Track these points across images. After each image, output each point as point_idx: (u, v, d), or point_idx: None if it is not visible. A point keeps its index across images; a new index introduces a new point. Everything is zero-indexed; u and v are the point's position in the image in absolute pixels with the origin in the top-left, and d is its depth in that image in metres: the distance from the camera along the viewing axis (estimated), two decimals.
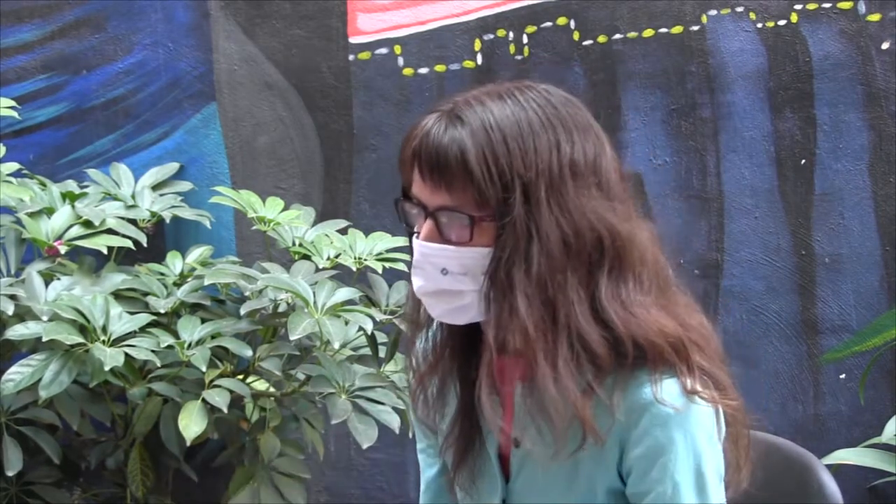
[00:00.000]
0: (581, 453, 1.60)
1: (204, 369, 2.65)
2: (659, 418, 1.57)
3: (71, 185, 3.13)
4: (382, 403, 2.76)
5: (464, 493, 1.74)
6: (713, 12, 3.13)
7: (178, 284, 2.90)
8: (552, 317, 1.56)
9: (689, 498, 1.58)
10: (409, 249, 1.67)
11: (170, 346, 2.69)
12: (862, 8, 3.10)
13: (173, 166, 3.27)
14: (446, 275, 1.59)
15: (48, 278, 2.82)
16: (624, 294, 1.58)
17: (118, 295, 2.81)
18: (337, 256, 2.88)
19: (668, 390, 1.58)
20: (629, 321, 1.57)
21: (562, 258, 1.56)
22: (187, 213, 3.13)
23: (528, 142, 1.56)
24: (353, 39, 3.25)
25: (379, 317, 2.75)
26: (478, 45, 3.21)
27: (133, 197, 3.13)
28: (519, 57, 3.19)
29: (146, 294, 2.84)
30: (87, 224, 2.91)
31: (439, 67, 3.22)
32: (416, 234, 1.64)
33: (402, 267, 2.87)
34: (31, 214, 2.91)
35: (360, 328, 2.69)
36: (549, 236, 1.55)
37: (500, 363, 1.67)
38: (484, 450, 1.71)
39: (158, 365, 2.66)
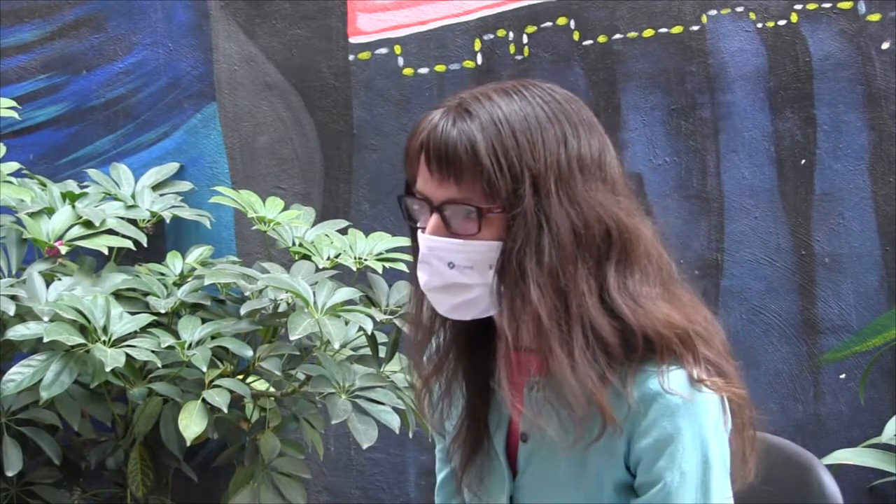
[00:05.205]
0: (591, 447, 1.61)
1: (204, 369, 2.65)
2: (667, 408, 1.59)
3: (71, 185, 3.13)
4: (382, 403, 2.76)
5: (472, 494, 1.76)
6: (713, 12, 3.13)
7: (178, 284, 2.90)
8: (565, 307, 1.58)
9: (695, 487, 1.60)
10: (410, 248, 1.67)
11: (170, 347, 2.69)
12: (862, 8, 3.10)
13: (173, 166, 3.27)
14: (453, 268, 1.61)
15: (49, 279, 2.82)
16: (631, 286, 1.61)
17: (118, 295, 2.81)
18: (337, 256, 2.88)
19: (675, 380, 1.59)
20: (638, 312, 1.59)
21: (572, 249, 1.58)
22: (187, 213, 3.13)
23: (536, 135, 1.59)
24: (353, 39, 3.25)
25: (379, 317, 2.75)
26: (478, 45, 3.21)
27: (133, 197, 3.13)
28: (519, 57, 3.19)
29: (146, 294, 2.84)
30: (88, 224, 2.91)
31: (439, 67, 3.22)
32: (420, 230, 1.64)
33: (402, 267, 2.87)
34: (31, 215, 2.91)
35: (360, 328, 2.69)
36: (560, 227, 1.57)
37: (509, 359, 1.68)
38: (492, 448, 1.73)
39: (159, 365, 2.66)
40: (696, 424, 1.59)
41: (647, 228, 1.65)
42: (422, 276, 1.64)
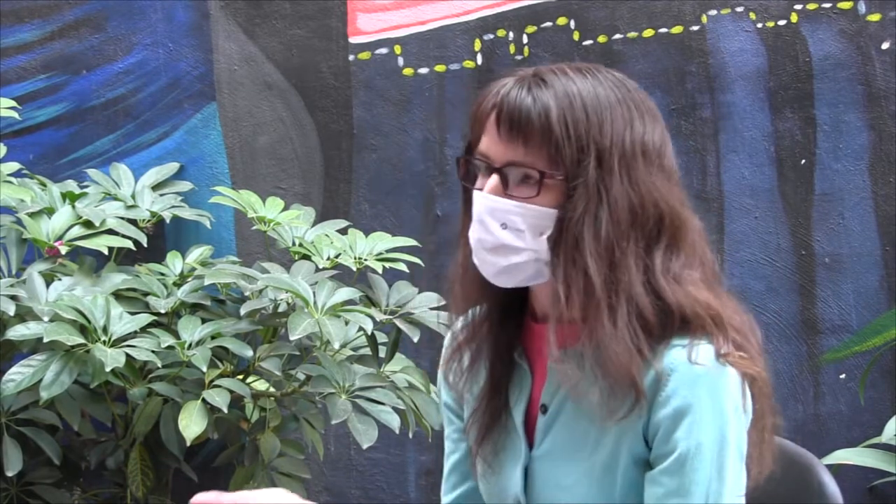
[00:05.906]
0: (617, 421, 1.64)
1: (204, 369, 2.65)
2: (688, 378, 1.62)
3: (71, 185, 3.13)
4: (382, 403, 2.77)
5: (485, 466, 1.78)
6: (713, 12, 3.13)
7: (178, 284, 2.90)
8: (615, 280, 1.62)
9: (710, 461, 1.61)
10: (461, 210, 1.70)
11: (170, 347, 2.69)
12: (862, 8, 3.10)
13: (173, 166, 3.27)
14: (505, 229, 1.65)
15: (49, 279, 2.83)
16: (675, 269, 1.66)
17: (118, 295, 2.81)
18: (337, 256, 2.88)
19: (701, 353, 1.63)
20: (678, 292, 1.64)
21: (627, 226, 1.63)
22: (187, 213, 3.13)
23: (605, 114, 1.65)
24: (353, 39, 3.25)
25: (379, 317, 2.75)
26: (478, 45, 3.21)
27: (133, 197, 3.13)
28: (519, 57, 3.19)
29: (146, 294, 2.84)
30: (88, 224, 2.91)
31: (439, 67, 3.22)
32: (476, 191, 1.68)
33: (402, 267, 2.87)
34: (31, 215, 2.91)
35: (360, 328, 2.70)
36: (619, 203, 1.63)
37: (534, 331, 1.73)
38: (510, 421, 1.76)
39: (159, 365, 2.66)
40: (716, 397, 1.62)
41: (697, 223, 1.72)
42: (473, 235, 1.68)
